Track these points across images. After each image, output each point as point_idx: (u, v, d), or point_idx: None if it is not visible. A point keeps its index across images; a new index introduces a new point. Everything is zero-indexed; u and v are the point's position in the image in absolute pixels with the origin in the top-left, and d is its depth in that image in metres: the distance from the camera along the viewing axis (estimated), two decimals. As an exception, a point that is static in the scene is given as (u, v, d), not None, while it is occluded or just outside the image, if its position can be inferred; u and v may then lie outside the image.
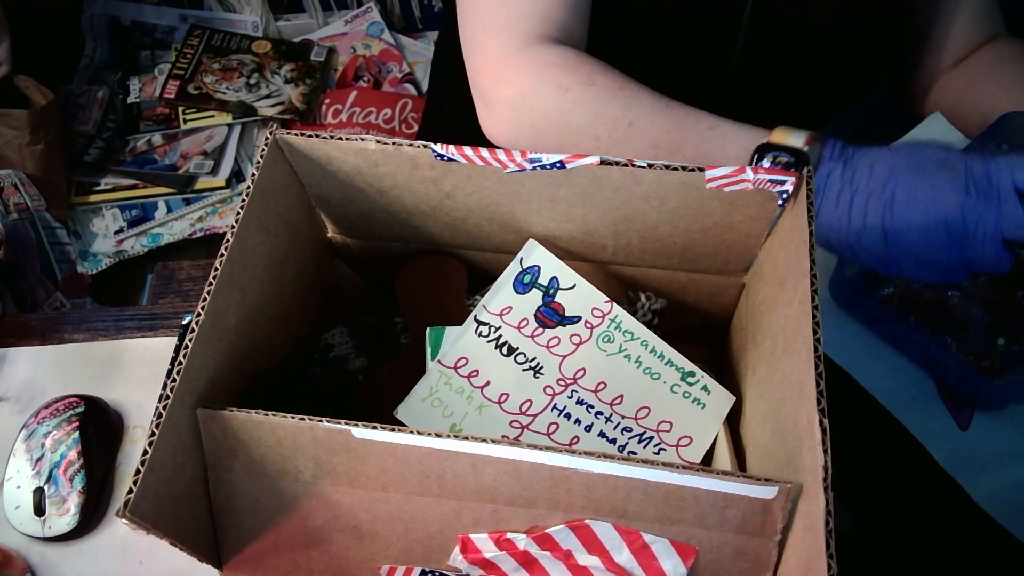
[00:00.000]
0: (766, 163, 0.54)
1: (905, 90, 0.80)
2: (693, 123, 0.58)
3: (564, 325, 0.52)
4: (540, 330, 0.51)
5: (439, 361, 0.50)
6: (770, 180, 0.47)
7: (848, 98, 0.78)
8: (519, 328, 0.51)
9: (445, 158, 0.49)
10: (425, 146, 0.49)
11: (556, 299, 0.52)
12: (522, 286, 0.52)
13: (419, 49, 1.47)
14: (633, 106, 0.59)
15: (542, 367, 0.51)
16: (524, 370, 0.50)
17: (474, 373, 0.50)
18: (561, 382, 0.50)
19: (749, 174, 0.46)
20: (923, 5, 0.73)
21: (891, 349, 0.64)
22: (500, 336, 0.51)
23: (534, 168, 0.48)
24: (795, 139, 0.55)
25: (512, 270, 0.52)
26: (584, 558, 0.43)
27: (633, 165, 0.47)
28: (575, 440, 0.49)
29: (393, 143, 0.49)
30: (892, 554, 0.57)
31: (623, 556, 0.42)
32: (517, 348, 0.51)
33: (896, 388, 0.62)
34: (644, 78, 0.61)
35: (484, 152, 0.48)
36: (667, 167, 0.47)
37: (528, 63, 0.62)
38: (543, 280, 0.52)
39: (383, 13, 1.48)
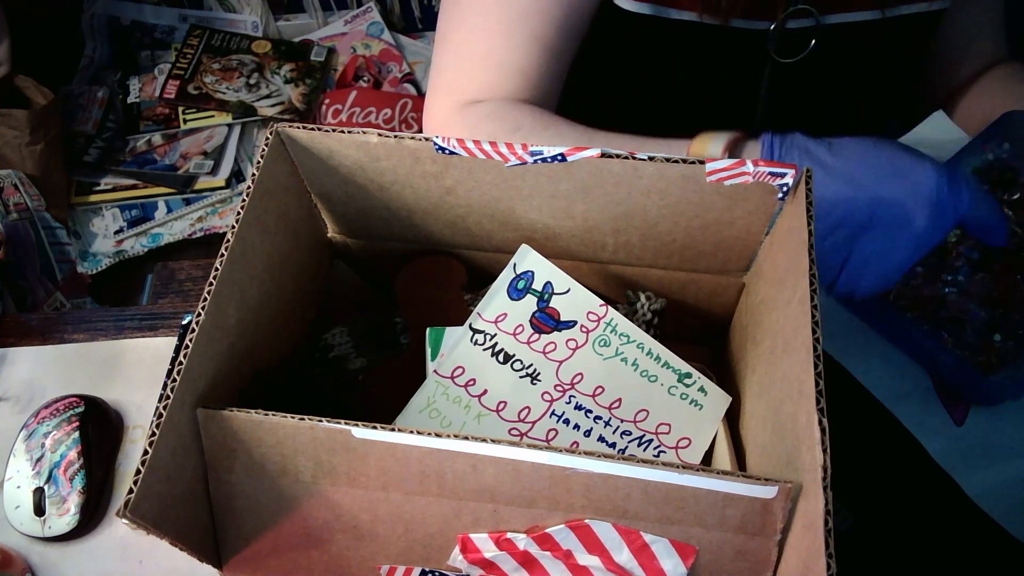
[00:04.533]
0: None
1: (916, 108, 0.81)
2: (619, 142, 0.60)
3: (560, 330, 0.52)
4: (536, 336, 0.51)
5: (436, 371, 0.50)
6: (770, 173, 0.46)
7: None
8: (515, 335, 0.51)
9: (447, 151, 0.49)
10: (427, 139, 0.49)
11: (551, 304, 0.52)
12: (516, 292, 0.52)
13: (419, 49, 1.47)
14: (556, 142, 0.60)
15: (539, 373, 0.50)
16: (521, 377, 0.50)
17: (471, 382, 0.50)
18: (559, 388, 0.50)
19: (749, 167, 0.46)
20: (936, 32, 0.74)
21: (888, 345, 0.64)
22: (496, 344, 0.51)
23: (535, 161, 0.48)
24: (714, 147, 0.55)
25: (506, 276, 0.52)
26: (584, 558, 0.43)
27: (634, 158, 0.47)
28: (575, 445, 0.49)
29: (395, 136, 0.49)
30: (890, 552, 0.57)
31: (623, 556, 0.42)
32: (513, 355, 0.51)
33: (892, 383, 0.63)
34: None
35: (486, 145, 0.48)
36: (668, 160, 0.47)
37: (464, 120, 0.65)
38: (537, 285, 0.52)
39: (383, 13, 1.48)
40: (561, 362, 0.51)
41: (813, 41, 0.65)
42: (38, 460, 0.59)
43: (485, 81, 0.65)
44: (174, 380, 0.40)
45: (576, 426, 0.50)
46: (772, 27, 0.64)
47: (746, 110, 0.72)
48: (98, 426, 0.62)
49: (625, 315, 0.53)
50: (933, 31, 0.72)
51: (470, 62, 0.66)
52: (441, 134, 0.64)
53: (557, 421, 0.50)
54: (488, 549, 0.43)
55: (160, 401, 0.40)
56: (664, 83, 0.71)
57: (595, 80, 0.72)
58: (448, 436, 0.40)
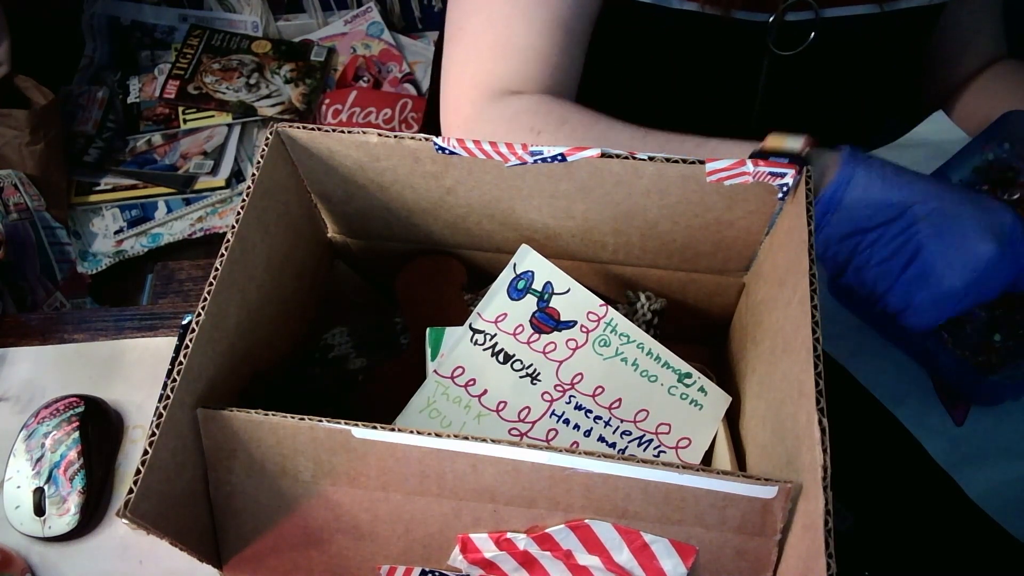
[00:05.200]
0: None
1: (915, 105, 0.81)
2: (678, 143, 0.58)
3: (560, 330, 0.52)
4: (536, 336, 0.51)
5: (436, 371, 0.50)
6: (770, 173, 0.47)
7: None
8: (515, 335, 0.51)
9: (447, 151, 0.49)
10: (427, 139, 0.49)
11: (551, 304, 0.52)
12: (516, 292, 0.52)
13: (419, 49, 1.47)
14: (610, 137, 0.59)
15: (539, 373, 0.50)
16: (521, 377, 0.50)
17: (471, 382, 0.50)
18: (559, 388, 0.50)
19: (749, 167, 0.46)
20: (937, 29, 0.74)
21: (888, 345, 0.64)
22: (496, 344, 0.51)
23: (535, 161, 0.48)
24: (792, 143, 0.54)
25: (506, 276, 0.52)
26: (584, 558, 0.43)
27: (634, 158, 0.47)
28: (575, 445, 0.49)
29: (395, 136, 0.49)
30: (890, 552, 0.57)
31: (623, 556, 0.42)
32: (514, 355, 0.51)
33: (892, 383, 0.63)
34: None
35: (486, 145, 0.48)
36: (668, 160, 0.47)
37: (498, 114, 0.62)
38: (537, 285, 0.52)
39: (383, 13, 1.48)
40: (561, 362, 0.51)
41: (812, 34, 0.65)
42: (38, 460, 0.59)
43: (508, 69, 0.63)
44: (174, 380, 0.40)
45: (576, 426, 0.50)
46: (771, 19, 0.64)
47: (744, 103, 0.72)
48: (98, 426, 0.62)
49: (625, 315, 0.53)
50: (933, 26, 0.72)
51: (490, 51, 0.64)
52: (470, 129, 0.63)
53: (557, 421, 0.50)
54: (488, 549, 0.43)
55: (160, 401, 0.40)
56: (663, 75, 0.71)
57: (593, 72, 0.72)
58: (448, 436, 0.40)
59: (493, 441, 0.40)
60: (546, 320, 0.52)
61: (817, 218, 0.51)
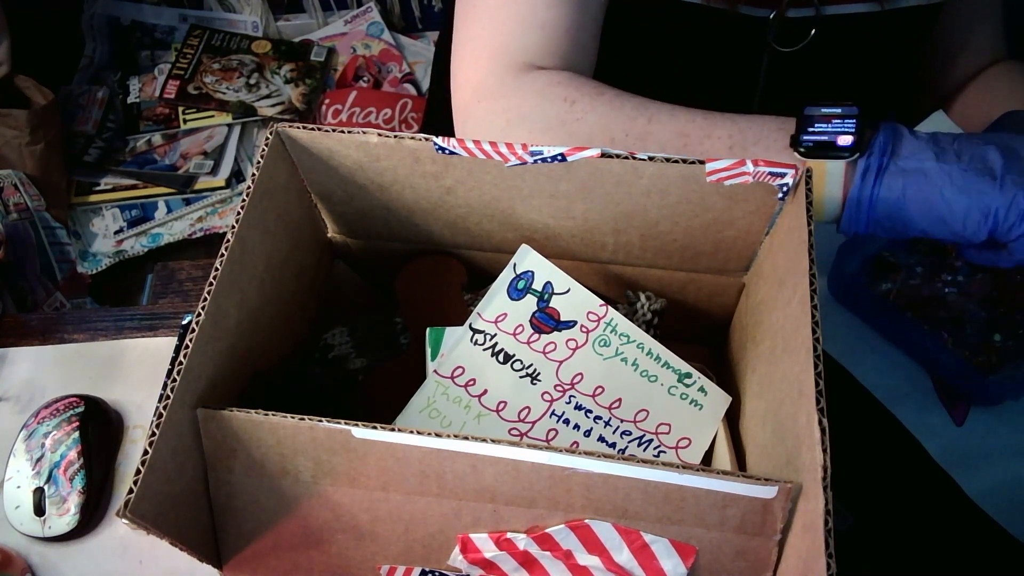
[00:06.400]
0: (819, 126, 0.53)
1: (914, 105, 0.81)
2: (720, 114, 0.57)
3: (560, 330, 0.52)
4: (536, 336, 0.51)
5: (436, 371, 0.50)
6: (770, 173, 0.46)
7: None
8: (515, 335, 0.51)
9: (447, 151, 0.49)
10: (427, 139, 0.49)
11: (551, 304, 0.52)
12: (516, 292, 0.52)
13: (419, 49, 1.47)
14: (649, 106, 0.58)
15: (539, 373, 0.50)
16: (521, 377, 0.50)
17: (471, 382, 0.50)
18: (559, 388, 0.50)
19: (749, 167, 0.46)
20: (937, 28, 0.74)
21: (888, 344, 0.64)
22: (496, 344, 0.51)
23: (535, 161, 0.48)
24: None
25: (506, 276, 0.52)
26: (584, 558, 0.43)
27: (634, 158, 0.47)
28: (575, 445, 0.49)
29: (395, 136, 0.49)
30: (890, 552, 0.57)
31: (623, 556, 0.42)
32: (513, 355, 0.51)
33: (892, 383, 0.63)
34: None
35: (486, 145, 0.48)
36: (668, 160, 0.47)
37: (527, 85, 0.60)
38: (537, 285, 0.52)
39: (383, 13, 1.48)
40: (561, 362, 0.51)
41: (812, 31, 0.65)
42: (38, 460, 0.59)
43: (529, 42, 0.61)
44: (174, 380, 0.40)
45: (576, 426, 0.50)
46: (772, 15, 0.64)
47: (743, 99, 0.72)
48: (98, 426, 0.62)
49: (625, 315, 0.53)
50: (932, 25, 0.72)
51: (509, 25, 0.62)
52: (496, 103, 0.61)
53: (557, 421, 0.50)
54: (488, 549, 0.43)
55: (160, 401, 0.40)
56: (663, 69, 0.71)
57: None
58: (448, 436, 0.40)
59: (493, 441, 0.40)
60: (546, 320, 0.52)
61: (878, 157, 0.51)
